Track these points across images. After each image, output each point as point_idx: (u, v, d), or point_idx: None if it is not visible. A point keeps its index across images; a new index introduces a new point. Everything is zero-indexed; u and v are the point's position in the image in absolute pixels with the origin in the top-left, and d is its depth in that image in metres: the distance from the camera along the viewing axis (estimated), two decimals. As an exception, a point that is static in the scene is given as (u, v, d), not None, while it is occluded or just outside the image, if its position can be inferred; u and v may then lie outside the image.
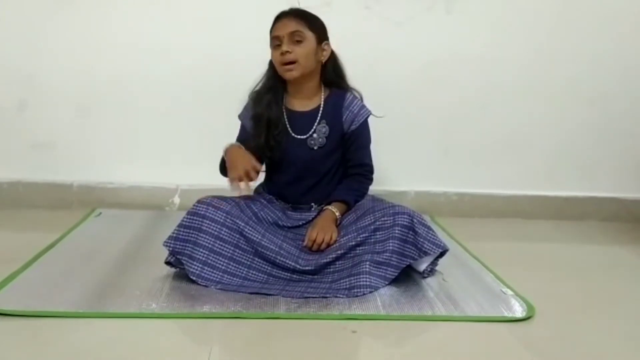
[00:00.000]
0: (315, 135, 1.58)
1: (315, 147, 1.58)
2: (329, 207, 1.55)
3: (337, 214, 1.54)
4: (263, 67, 1.60)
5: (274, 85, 1.58)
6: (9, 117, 2.03)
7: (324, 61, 1.57)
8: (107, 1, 1.99)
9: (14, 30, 1.98)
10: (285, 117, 1.58)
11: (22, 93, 2.02)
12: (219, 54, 2.02)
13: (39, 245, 1.59)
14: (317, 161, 1.59)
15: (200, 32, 2.02)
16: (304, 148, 1.58)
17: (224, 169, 1.54)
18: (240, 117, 1.62)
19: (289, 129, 1.58)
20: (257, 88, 1.59)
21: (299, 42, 1.50)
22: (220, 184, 2.00)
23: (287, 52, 1.49)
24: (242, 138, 1.60)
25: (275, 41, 1.52)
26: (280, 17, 1.53)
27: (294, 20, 1.51)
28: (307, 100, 1.60)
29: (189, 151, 2.10)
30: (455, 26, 2.10)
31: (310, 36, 1.52)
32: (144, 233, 1.80)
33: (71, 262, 1.50)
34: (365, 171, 1.63)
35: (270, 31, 1.55)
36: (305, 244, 1.48)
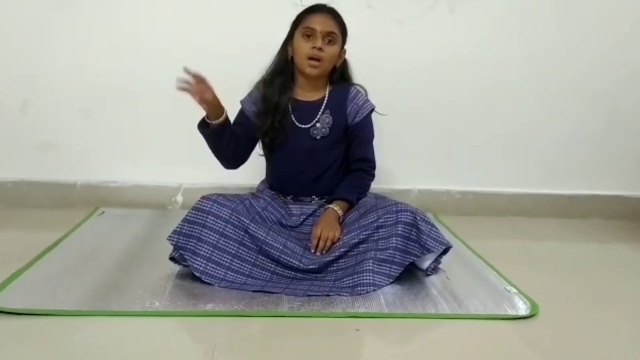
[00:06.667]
0: (318, 124, 1.58)
1: (318, 137, 1.58)
2: (331, 205, 1.55)
3: (340, 212, 1.54)
4: (264, 66, 1.60)
5: (285, 70, 1.58)
6: (13, 117, 2.03)
7: (337, 65, 1.59)
8: (110, 1, 1.99)
9: (16, 32, 1.98)
10: (289, 105, 1.58)
11: (25, 93, 2.03)
12: (221, 53, 2.01)
13: (42, 244, 1.60)
14: (320, 152, 1.59)
15: (203, 31, 2.02)
16: (307, 137, 1.58)
17: (202, 126, 1.55)
18: (241, 101, 1.63)
19: (293, 117, 1.58)
20: (268, 71, 1.59)
21: (330, 42, 1.52)
22: (223, 182, 2.02)
23: (321, 49, 1.50)
24: (239, 122, 1.61)
25: (308, 32, 1.51)
26: (320, 11, 1.54)
27: (333, 20, 1.53)
28: (312, 92, 1.60)
29: (192, 150, 2.07)
30: (458, 25, 2.09)
31: (339, 40, 1.55)
32: (146, 232, 1.80)
33: (74, 261, 1.50)
34: (367, 167, 1.63)
35: (300, 19, 1.54)
36: (312, 243, 1.47)
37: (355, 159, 1.63)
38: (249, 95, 1.62)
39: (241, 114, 1.63)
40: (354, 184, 1.61)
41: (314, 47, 1.50)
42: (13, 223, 1.89)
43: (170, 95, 2.05)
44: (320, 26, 1.51)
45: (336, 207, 1.54)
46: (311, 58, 1.51)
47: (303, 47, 1.52)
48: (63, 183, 2.08)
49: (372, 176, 1.65)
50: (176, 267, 1.45)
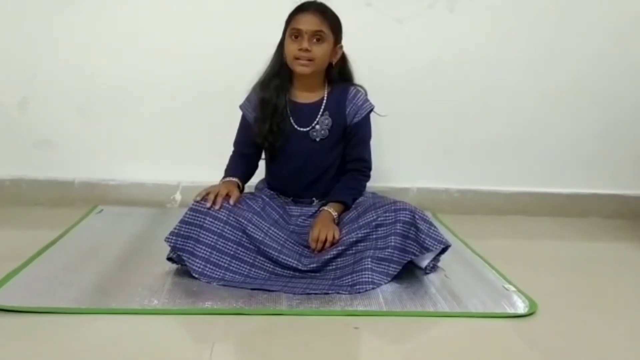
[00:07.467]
0: (318, 126, 1.58)
1: (318, 139, 1.58)
2: (326, 207, 1.55)
3: (335, 214, 1.54)
4: (262, 66, 1.60)
5: (281, 71, 1.57)
6: (11, 115, 2.03)
7: (334, 63, 1.58)
8: (109, 1, 1.99)
9: (16, 30, 1.97)
10: (287, 108, 1.57)
11: (24, 91, 2.02)
12: (220, 52, 2.01)
13: (41, 242, 1.59)
14: (320, 153, 1.59)
15: (201, 30, 2.01)
16: (307, 140, 1.58)
17: None
18: (241, 107, 1.63)
19: (292, 120, 1.58)
20: (264, 73, 1.59)
21: (319, 40, 1.50)
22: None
23: (307, 50, 1.49)
24: (244, 126, 1.62)
25: (295, 32, 1.50)
26: (306, 10, 1.50)
27: (319, 18, 1.49)
28: (310, 92, 1.60)
29: (191, 148, 2.10)
30: (457, 24, 2.09)
31: (330, 37, 1.52)
32: (145, 230, 1.80)
33: (73, 259, 1.50)
34: (362, 167, 1.63)
35: (290, 19, 1.52)
36: (311, 246, 1.47)
37: (351, 159, 1.62)
38: (248, 100, 1.62)
39: (243, 119, 1.63)
40: (348, 186, 1.61)
41: (300, 49, 1.49)
42: (11, 221, 1.89)
43: (169, 94, 2.07)
44: (306, 26, 1.48)
45: (330, 209, 1.54)
46: (298, 58, 1.50)
47: (290, 48, 1.51)
48: (61, 181, 2.08)
49: (367, 177, 1.64)
50: (175, 265, 1.44)
